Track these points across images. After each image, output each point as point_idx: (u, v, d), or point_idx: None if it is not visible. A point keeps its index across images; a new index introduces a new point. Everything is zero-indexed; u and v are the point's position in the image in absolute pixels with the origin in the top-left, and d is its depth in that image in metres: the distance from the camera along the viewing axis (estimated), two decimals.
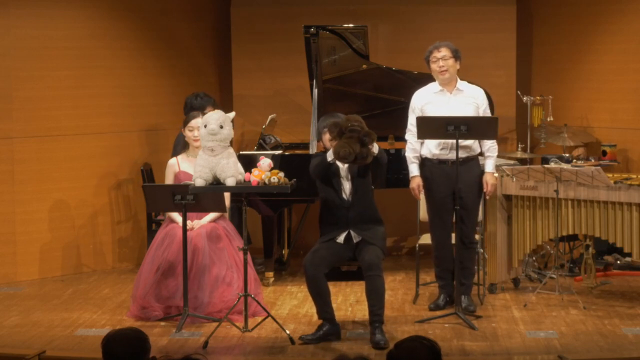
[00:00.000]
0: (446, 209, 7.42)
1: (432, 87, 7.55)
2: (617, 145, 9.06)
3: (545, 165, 7.79)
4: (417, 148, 7.50)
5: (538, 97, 9.32)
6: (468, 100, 7.47)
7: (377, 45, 9.52)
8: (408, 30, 9.81)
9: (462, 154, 7.37)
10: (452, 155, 7.35)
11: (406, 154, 7.55)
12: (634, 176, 7.71)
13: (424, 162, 7.50)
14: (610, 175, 7.72)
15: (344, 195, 6.89)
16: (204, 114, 7.54)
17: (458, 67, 7.48)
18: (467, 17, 9.76)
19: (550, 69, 9.83)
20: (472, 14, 9.77)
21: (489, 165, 7.48)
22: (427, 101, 7.48)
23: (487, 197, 7.73)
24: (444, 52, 7.41)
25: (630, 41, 9.11)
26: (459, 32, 9.55)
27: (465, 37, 9.47)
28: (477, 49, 9.58)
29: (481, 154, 7.53)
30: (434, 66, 7.44)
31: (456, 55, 7.44)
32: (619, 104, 9.23)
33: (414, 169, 7.51)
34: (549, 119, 9.17)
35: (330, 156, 6.78)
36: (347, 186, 6.90)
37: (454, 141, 7.24)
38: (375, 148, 6.75)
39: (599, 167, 7.62)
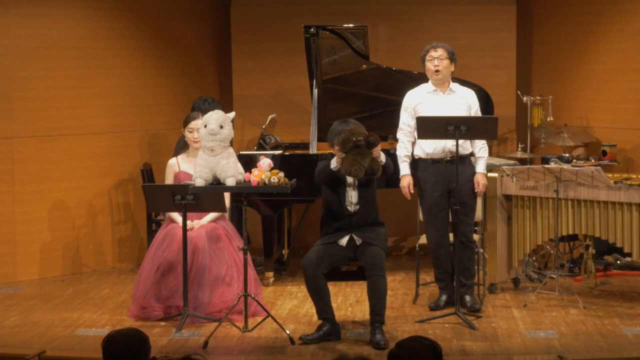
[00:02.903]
0: (441, 209, 7.42)
1: (425, 88, 7.56)
2: (617, 145, 9.06)
3: (545, 165, 7.79)
4: (408, 147, 7.52)
5: (538, 97, 9.32)
6: (460, 100, 7.49)
7: (377, 45, 9.52)
8: (408, 30, 9.81)
9: (454, 153, 7.37)
10: (444, 155, 7.39)
11: (397, 153, 7.56)
12: (634, 176, 7.71)
13: (417, 163, 7.50)
14: (610, 175, 7.72)
15: (348, 204, 6.88)
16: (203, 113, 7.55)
17: (452, 69, 7.49)
18: (467, 17, 9.76)
19: (550, 69, 9.83)
20: (472, 14, 9.77)
21: (480, 165, 7.49)
22: (419, 101, 7.50)
23: (479, 197, 7.75)
24: (441, 52, 7.43)
25: (630, 41, 9.11)
26: (459, 32, 9.56)
27: (465, 37, 9.48)
28: (477, 49, 9.59)
29: (472, 154, 7.53)
30: (429, 64, 7.45)
31: (452, 58, 7.46)
32: (619, 104, 9.23)
33: (404, 168, 7.52)
34: (549, 119, 9.17)
35: (333, 164, 6.78)
36: (353, 195, 6.90)
37: (447, 143, 7.26)
38: (382, 157, 6.76)
39: (599, 167, 7.62)
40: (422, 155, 7.47)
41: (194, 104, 8.78)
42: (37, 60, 8.79)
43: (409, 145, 7.52)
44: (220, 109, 8.63)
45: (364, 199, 6.89)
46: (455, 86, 7.56)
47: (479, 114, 7.55)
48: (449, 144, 7.34)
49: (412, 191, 7.51)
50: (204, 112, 8.43)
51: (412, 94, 7.58)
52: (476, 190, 7.49)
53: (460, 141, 7.36)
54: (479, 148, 7.48)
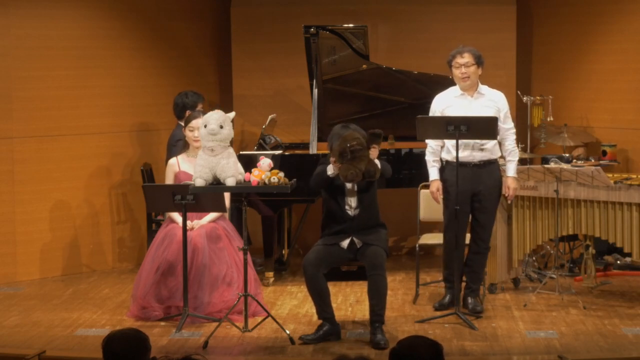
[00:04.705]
0: (463, 212, 7.33)
1: (452, 91, 7.47)
2: (617, 145, 9.06)
3: (545, 165, 7.79)
4: (437, 151, 7.42)
5: (538, 97, 9.32)
6: (489, 103, 7.38)
7: (377, 45, 9.52)
8: (408, 30, 9.81)
9: (482, 157, 7.34)
10: (472, 158, 7.32)
11: (426, 158, 7.46)
12: (634, 176, 7.72)
13: (445, 166, 7.42)
14: (610, 175, 7.72)
15: (348, 209, 6.87)
16: (203, 112, 7.56)
17: (480, 72, 7.40)
18: (467, 17, 9.76)
19: (550, 69, 9.83)
20: (472, 14, 9.77)
21: (511, 169, 7.42)
22: (447, 104, 7.40)
23: (509, 202, 7.73)
24: (467, 58, 7.33)
25: (630, 41, 9.11)
26: (459, 32, 9.55)
27: (465, 37, 9.44)
28: (477, 49, 9.57)
29: (501, 157, 7.49)
30: (456, 72, 7.36)
31: (479, 62, 7.35)
32: (619, 104, 9.23)
33: (433, 173, 7.42)
34: (549, 119, 9.17)
35: (330, 170, 6.77)
36: (352, 200, 6.88)
37: (475, 147, 7.27)
38: (377, 163, 6.74)
39: (599, 167, 7.62)
40: (449, 158, 7.37)
41: (176, 101, 8.75)
42: (37, 60, 8.79)
43: (437, 149, 7.43)
44: (201, 101, 8.71)
45: (364, 203, 6.88)
46: (483, 89, 7.45)
47: (509, 116, 7.44)
48: (475, 148, 7.31)
49: (441, 194, 7.40)
50: (189, 106, 8.55)
51: (440, 98, 7.48)
52: (506, 194, 7.44)
53: (489, 145, 7.32)
54: (509, 151, 7.41)
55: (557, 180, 7.60)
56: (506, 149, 7.43)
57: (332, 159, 6.75)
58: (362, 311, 7.46)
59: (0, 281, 8.66)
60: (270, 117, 9.30)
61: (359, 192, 6.88)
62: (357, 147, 6.59)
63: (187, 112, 8.23)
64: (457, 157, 7.17)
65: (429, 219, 8.08)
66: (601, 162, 8.84)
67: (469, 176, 7.31)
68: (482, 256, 7.52)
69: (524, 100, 9.26)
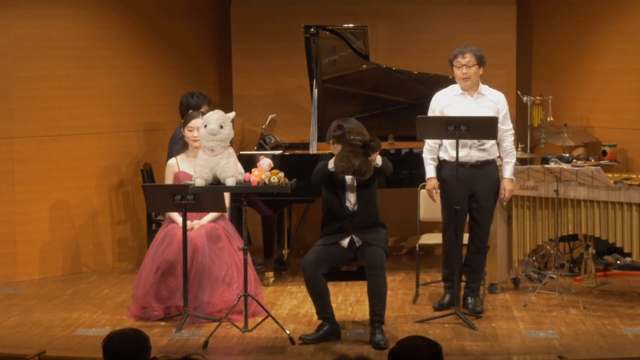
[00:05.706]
0: (462, 212, 7.35)
1: (453, 90, 7.46)
2: (617, 145, 9.06)
3: (545, 165, 7.79)
4: (434, 149, 7.42)
5: (538, 97, 9.32)
6: (488, 104, 7.38)
7: (377, 45, 9.52)
8: (408, 30, 9.81)
9: (480, 157, 7.34)
10: (469, 158, 7.32)
11: (423, 155, 7.47)
12: (634, 176, 7.72)
13: (442, 165, 7.43)
14: (610, 175, 7.72)
15: (347, 204, 6.88)
16: (203, 113, 7.57)
17: (481, 72, 7.38)
18: (467, 17, 9.76)
19: (550, 69, 9.83)
20: (472, 14, 9.77)
21: (508, 170, 7.41)
22: (447, 103, 7.40)
23: (504, 203, 7.73)
24: (469, 58, 7.31)
25: (630, 41, 9.11)
26: (459, 32, 9.55)
27: (465, 37, 9.44)
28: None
29: (499, 157, 7.49)
30: (457, 71, 7.34)
31: (480, 62, 7.33)
32: (619, 104, 9.23)
33: (430, 171, 7.43)
34: (549, 119, 9.17)
35: (331, 164, 6.78)
36: (351, 196, 6.88)
37: (472, 147, 7.26)
38: (378, 160, 6.74)
39: (599, 167, 7.62)
40: (447, 158, 7.37)
41: (181, 99, 8.82)
42: (37, 60, 8.79)
43: (435, 147, 7.43)
44: (208, 103, 8.72)
45: (363, 200, 6.88)
46: (484, 89, 7.43)
47: (508, 118, 7.43)
48: (473, 148, 7.31)
49: (437, 193, 7.39)
50: (193, 106, 8.57)
51: (440, 96, 7.48)
52: (502, 196, 7.45)
53: (487, 145, 7.32)
54: (507, 152, 7.41)
55: (557, 180, 7.60)
56: (504, 150, 7.43)
57: (330, 142, 6.75)
58: (362, 311, 7.46)
59: (0, 281, 8.66)
60: (270, 117, 9.30)
61: (358, 188, 6.88)
62: (357, 142, 6.62)
63: (190, 112, 8.24)
64: (457, 157, 7.17)
65: (428, 219, 8.09)
66: (601, 162, 8.84)
67: (467, 176, 7.31)
68: (481, 256, 7.52)
69: (524, 100, 9.26)
